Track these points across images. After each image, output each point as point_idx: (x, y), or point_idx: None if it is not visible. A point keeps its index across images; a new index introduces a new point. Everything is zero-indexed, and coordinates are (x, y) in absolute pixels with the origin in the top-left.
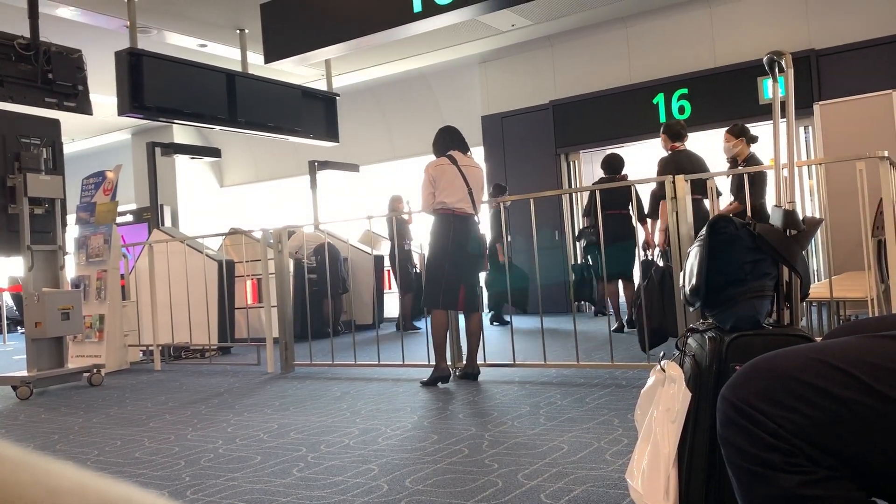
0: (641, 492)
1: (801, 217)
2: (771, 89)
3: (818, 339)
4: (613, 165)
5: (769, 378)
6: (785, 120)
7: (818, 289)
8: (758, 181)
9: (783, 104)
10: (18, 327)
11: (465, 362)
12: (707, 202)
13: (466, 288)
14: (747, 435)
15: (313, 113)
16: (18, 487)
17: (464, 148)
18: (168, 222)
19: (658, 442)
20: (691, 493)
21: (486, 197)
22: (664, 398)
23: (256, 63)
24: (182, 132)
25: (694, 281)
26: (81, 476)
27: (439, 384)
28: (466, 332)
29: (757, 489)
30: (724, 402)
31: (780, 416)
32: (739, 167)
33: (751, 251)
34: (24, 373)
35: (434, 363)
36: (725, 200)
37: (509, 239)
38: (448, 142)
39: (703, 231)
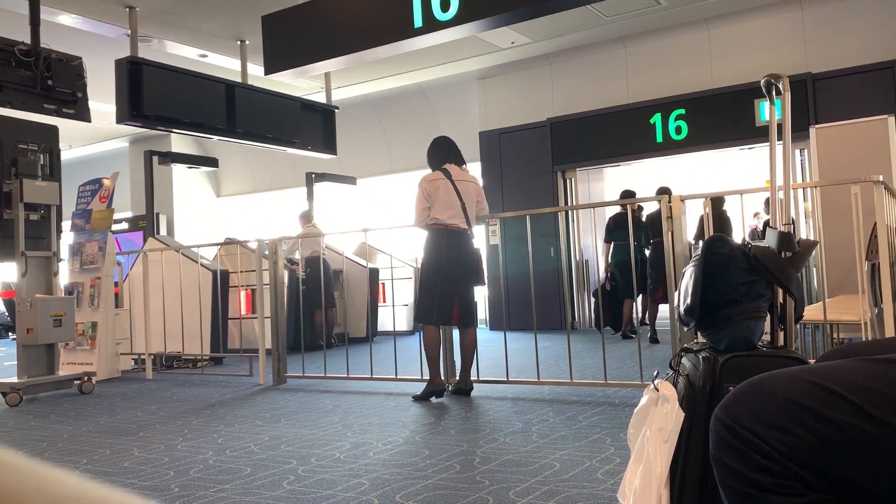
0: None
1: (796, 239)
2: (768, 112)
3: (811, 361)
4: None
5: (762, 399)
6: (781, 142)
7: (812, 311)
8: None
9: (780, 126)
10: (10, 333)
11: (458, 377)
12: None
13: (460, 302)
14: (740, 456)
15: (312, 125)
16: (20, 495)
17: (459, 160)
18: (163, 231)
19: (650, 461)
20: None
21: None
22: (657, 417)
23: (256, 74)
24: (180, 141)
25: (689, 301)
26: (83, 484)
27: (433, 399)
28: (461, 347)
29: None
30: (718, 423)
31: (773, 438)
32: None
33: (746, 272)
34: (15, 379)
35: (428, 377)
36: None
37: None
38: (444, 154)
39: (699, 251)
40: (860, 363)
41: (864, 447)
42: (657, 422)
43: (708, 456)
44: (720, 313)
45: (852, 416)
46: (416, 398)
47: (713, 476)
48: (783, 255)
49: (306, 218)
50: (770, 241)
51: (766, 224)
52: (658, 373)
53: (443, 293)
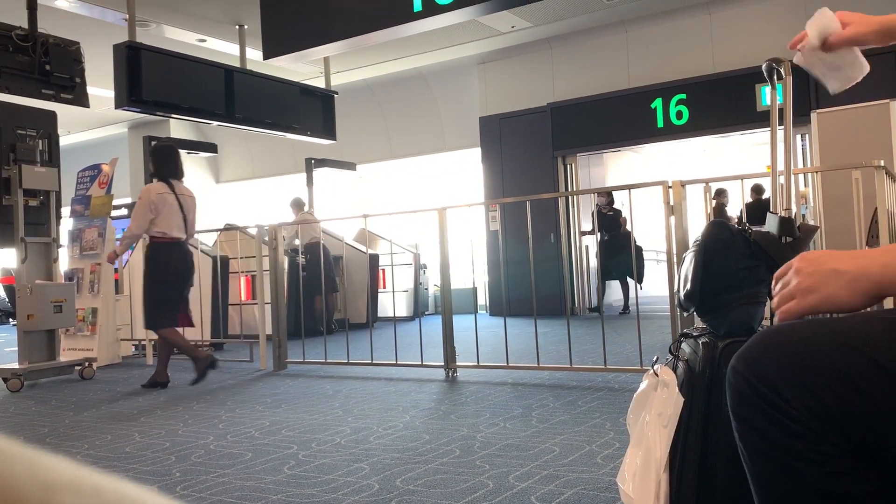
0: (633, 496)
1: (796, 224)
2: (769, 96)
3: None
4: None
5: (786, 357)
6: (783, 127)
7: None
8: None
9: (781, 111)
10: (10, 319)
11: (155, 373)
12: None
13: (183, 305)
14: (766, 417)
15: (311, 110)
16: (13, 480)
17: (180, 175)
18: None
19: (650, 446)
20: (682, 498)
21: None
22: (657, 402)
23: (255, 59)
24: (179, 127)
25: (689, 286)
26: (76, 470)
27: (209, 371)
28: (178, 343)
29: (777, 479)
30: (738, 377)
31: (801, 401)
32: None
33: (746, 257)
34: (16, 365)
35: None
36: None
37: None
38: (172, 169)
39: (699, 236)
40: (891, 324)
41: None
42: (656, 407)
43: (707, 441)
44: (720, 298)
45: (885, 380)
46: (202, 373)
47: (712, 461)
48: (783, 241)
49: (298, 205)
50: (770, 226)
51: (747, 205)
52: (658, 358)
53: (170, 300)
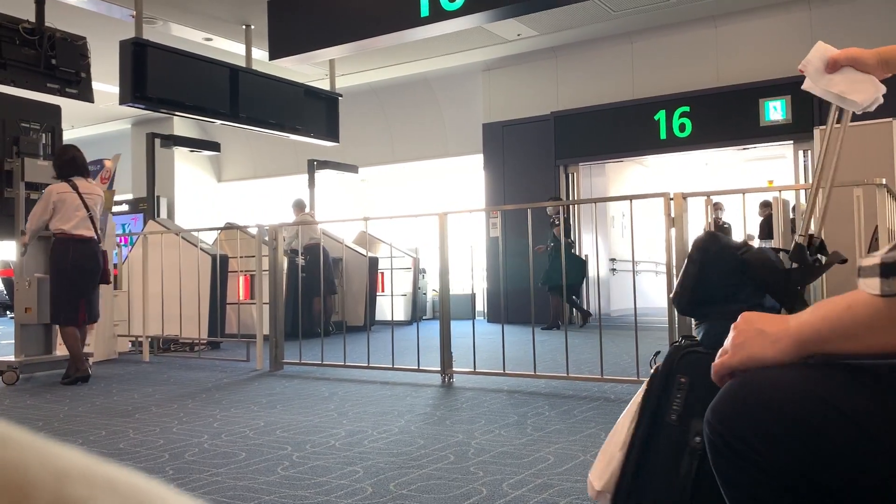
0: (590, 477)
1: (808, 252)
2: (772, 111)
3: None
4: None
5: (754, 409)
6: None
7: None
8: None
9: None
10: (8, 312)
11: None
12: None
13: (86, 303)
14: (739, 469)
15: (315, 112)
16: (25, 468)
17: (86, 173)
18: (164, 214)
19: (617, 430)
20: (622, 481)
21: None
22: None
23: (261, 59)
24: (182, 125)
25: (675, 291)
26: (88, 461)
27: (79, 383)
28: (81, 341)
29: None
30: (711, 430)
31: (771, 452)
32: None
33: (730, 274)
34: (12, 358)
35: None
36: None
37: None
38: (73, 167)
39: (694, 246)
40: (856, 377)
41: (869, 465)
42: (635, 398)
43: (653, 434)
44: (703, 309)
45: (846, 428)
46: (64, 382)
47: (650, 457)
48: (791, 265)
49: (299, 206)
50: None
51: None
52: (659, 353)
53: (70, 297)
